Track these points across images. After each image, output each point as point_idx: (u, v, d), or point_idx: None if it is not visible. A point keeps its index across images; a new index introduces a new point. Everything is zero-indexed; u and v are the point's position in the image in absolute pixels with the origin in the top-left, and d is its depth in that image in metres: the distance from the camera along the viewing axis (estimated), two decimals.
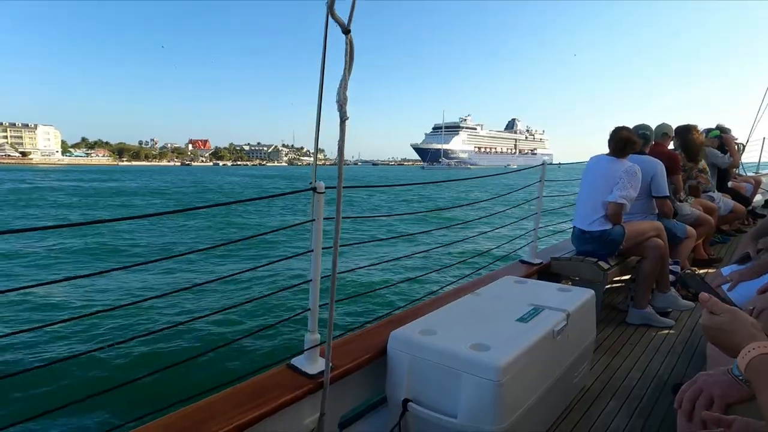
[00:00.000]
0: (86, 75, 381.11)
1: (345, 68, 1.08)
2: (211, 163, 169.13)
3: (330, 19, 1.08)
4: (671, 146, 3.97)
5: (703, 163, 4.20)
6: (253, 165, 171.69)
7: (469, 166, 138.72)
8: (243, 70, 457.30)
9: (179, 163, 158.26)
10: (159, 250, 11.45)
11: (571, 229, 3.17)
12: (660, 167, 3.11)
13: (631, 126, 3.12)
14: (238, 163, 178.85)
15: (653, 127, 3.53)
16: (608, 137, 2.94)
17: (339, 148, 1.19)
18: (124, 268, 1.59)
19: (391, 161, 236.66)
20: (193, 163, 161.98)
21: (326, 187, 1.47)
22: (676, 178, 3.48)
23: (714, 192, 4.47)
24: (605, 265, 2.85)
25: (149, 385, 3.42)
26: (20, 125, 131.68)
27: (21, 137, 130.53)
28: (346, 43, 1.07)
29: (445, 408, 1.49)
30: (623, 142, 2.86)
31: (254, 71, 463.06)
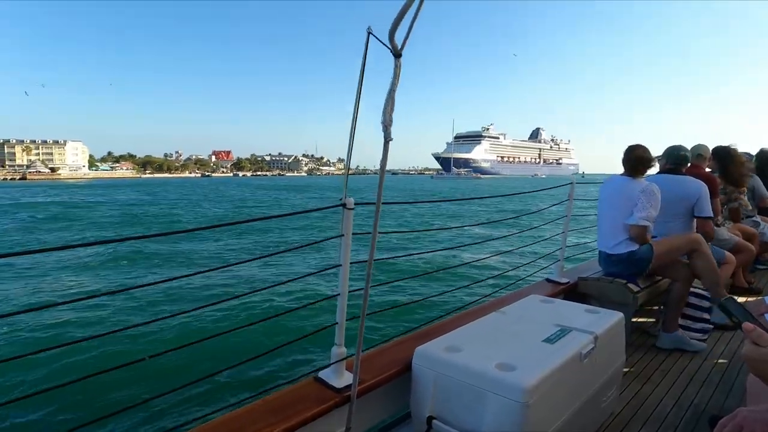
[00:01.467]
0: (117, 89, 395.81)
1: (392, 90, 1.07)
2: (231, 174, 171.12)
3: (370, 40, 1.09)
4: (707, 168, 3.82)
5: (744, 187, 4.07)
6: (272, 175, 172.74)
7: (479, 175, 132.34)
8: (268, 81, 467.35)
9: (200, 175, 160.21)
10: (177, 265, 11.20)
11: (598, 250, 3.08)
12: (705, 189, 3.03)
13: (652, 144, 3.08)
14: (258, 173, 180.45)
15: (689, 147, 3.40)
16: (622, 156, 2.87)
17: (381, 167, 1.18)
18: (150, 284, 2.68)
19: (412, 170, 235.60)
20: (213, 174, 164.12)
21: (356, 203, 1.47)
22: (714, 201, 3.24)
23: (757, 216, 4.28)
24: (635, 288, 2.76)
25: (177, 398, 3.52)
26: (51, 142, 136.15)
27: (51, 153, 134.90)
28: (396, 66, 1.05)
29: (469, 427, 1.45)
30: (637, 161, 2.79)
31: (279, 82, 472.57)
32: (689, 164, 3.29)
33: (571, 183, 3.11)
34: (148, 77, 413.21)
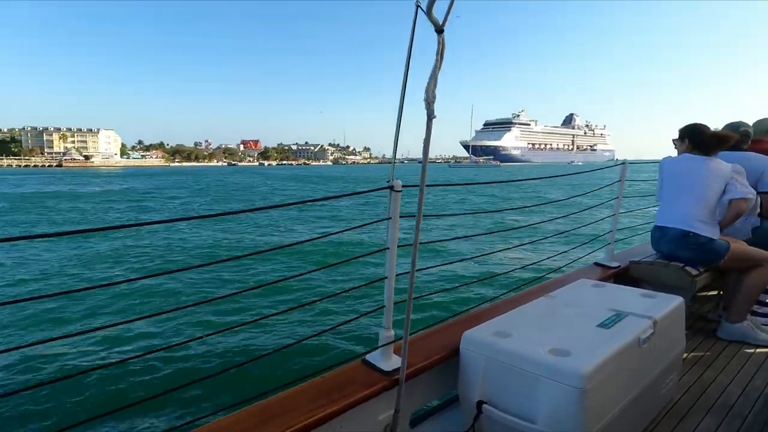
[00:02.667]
0: (149, 79, 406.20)
1: (436, 67, 1.07)
2: (257, 163, 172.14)
3: (417, 18, 1.07)
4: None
5: None
6: (298, 164, 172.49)
7: (499, 163, 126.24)
8: (297, 70, 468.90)
9: (226, 164, 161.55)
10: (222, 250, 11.46)
11: (650, 232, 2.94)
12: None
13: (714, 123, 2.91)
14: (283, 162, 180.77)
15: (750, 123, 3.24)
16: (690, 136, 2.77)
17: (425, 146, 1.19)
18: (194, 267, 2.31)
19: (439, 159, 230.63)
20: (240, 163, 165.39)
21: (403, 186, 1.47)
22: None
23: None
24: (693, 271, 2.63)
25: (228, 379, 3.71)
26: (85, 130, 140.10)
27: (85, 141, 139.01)
28: (439, 43, 1.06)
29: (521, 412, 1.43)
30: (717, 139, 2.70)
31: (309, 71, 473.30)
32: (751, 140, 3.13)
33: (624, 163, 3.06)
34: (186, 70, 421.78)
